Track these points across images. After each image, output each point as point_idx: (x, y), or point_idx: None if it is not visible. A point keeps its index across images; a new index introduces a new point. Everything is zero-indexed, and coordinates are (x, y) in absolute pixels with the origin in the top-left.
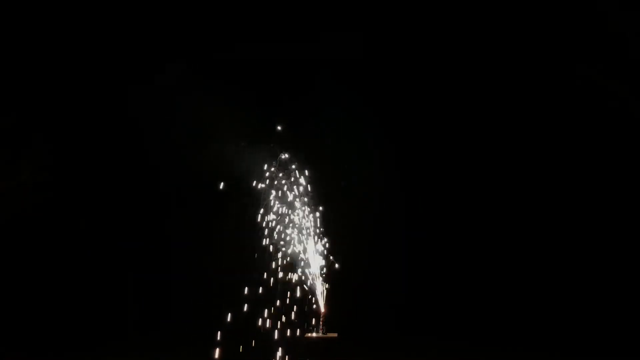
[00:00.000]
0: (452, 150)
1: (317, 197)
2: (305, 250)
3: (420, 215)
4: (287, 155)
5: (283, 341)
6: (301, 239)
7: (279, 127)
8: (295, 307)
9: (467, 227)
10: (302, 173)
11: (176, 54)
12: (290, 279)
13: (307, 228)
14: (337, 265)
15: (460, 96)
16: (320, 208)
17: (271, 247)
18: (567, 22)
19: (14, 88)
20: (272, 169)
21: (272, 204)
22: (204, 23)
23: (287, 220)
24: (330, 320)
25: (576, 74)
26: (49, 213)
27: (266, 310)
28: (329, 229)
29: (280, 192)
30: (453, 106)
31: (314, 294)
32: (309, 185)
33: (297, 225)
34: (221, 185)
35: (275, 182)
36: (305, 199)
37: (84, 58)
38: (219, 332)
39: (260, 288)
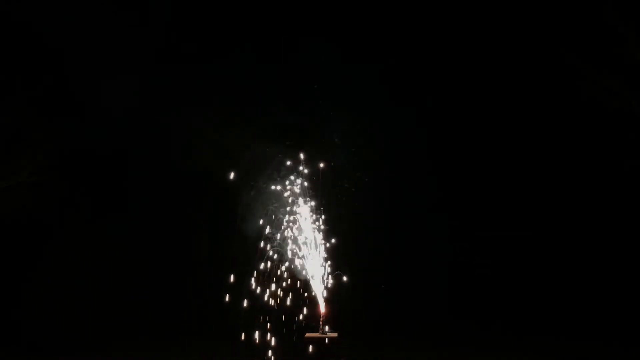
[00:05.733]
0: (451, 151)
1: (320, 201)
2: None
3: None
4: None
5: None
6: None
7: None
8: (295, 308)
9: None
10: (306, 174)
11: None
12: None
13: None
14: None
15: (459, 96)
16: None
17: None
18: (571, 22)
19: (13, 88)
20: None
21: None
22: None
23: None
24: (330, 320)
25: (579, 74)
26: (49, 212)
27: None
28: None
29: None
30: (452, 106)
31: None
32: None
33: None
34: (231, 175)
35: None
36: (308, 203)
37: (84, 57)
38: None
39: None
